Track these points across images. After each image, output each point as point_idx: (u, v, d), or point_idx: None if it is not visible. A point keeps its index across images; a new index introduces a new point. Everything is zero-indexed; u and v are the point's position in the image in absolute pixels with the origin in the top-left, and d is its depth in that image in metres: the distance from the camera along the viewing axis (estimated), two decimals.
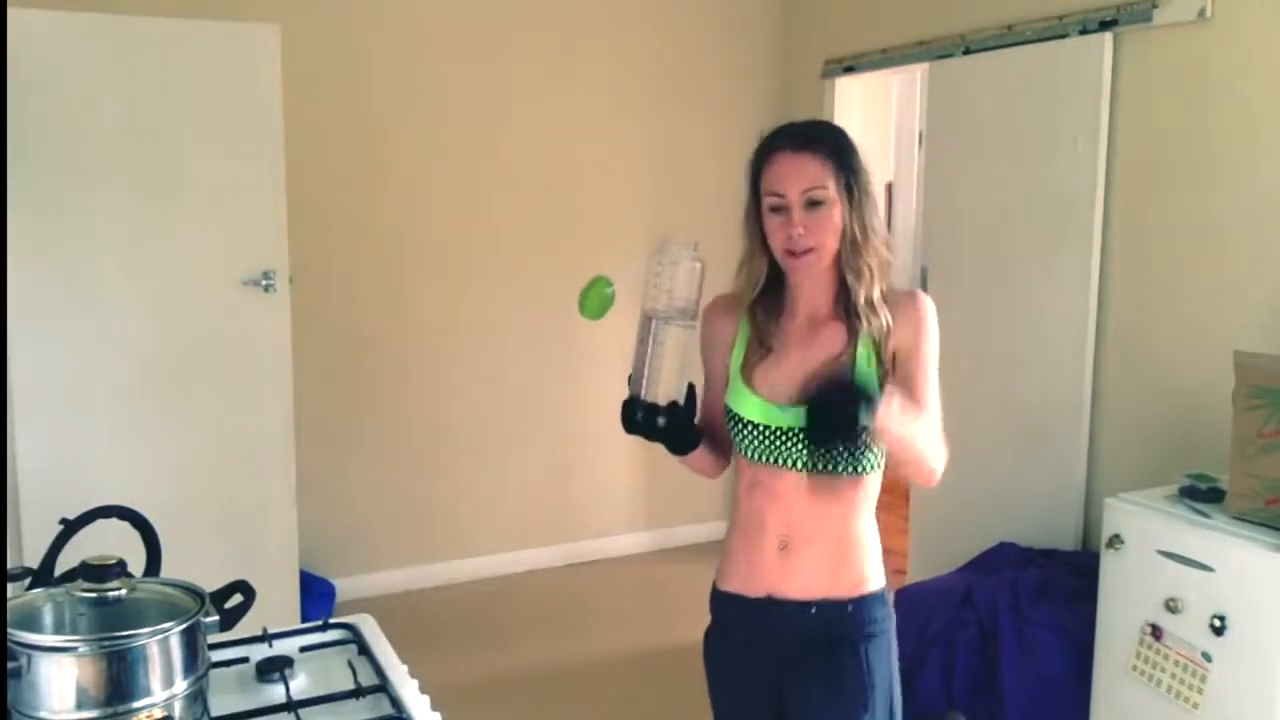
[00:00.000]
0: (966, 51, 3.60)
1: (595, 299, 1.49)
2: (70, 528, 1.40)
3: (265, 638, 1.57)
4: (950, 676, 2.83)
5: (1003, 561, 3.12)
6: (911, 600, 3.07)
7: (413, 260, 4.06)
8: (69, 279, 3.16)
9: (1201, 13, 2.83)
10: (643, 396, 1.47)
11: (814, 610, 1.58)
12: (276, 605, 3.32)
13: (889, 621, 1.62)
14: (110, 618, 1.22)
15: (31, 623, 1.20)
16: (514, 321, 4.22)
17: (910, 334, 1.55)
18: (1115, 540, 2.44)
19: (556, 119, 4.26)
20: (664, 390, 1.47)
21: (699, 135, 4.55)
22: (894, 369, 1.55)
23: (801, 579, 1.58)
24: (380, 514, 4.11)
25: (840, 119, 4.25)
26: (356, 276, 3.97)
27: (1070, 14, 3.20)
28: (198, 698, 1.25)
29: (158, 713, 1.17)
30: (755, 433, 1.57)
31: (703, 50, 4.54)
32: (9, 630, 1.15)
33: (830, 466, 1.54)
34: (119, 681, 1.17)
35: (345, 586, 3.91)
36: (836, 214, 1.51)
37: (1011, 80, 3.42)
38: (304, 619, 3.37)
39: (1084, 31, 3.15)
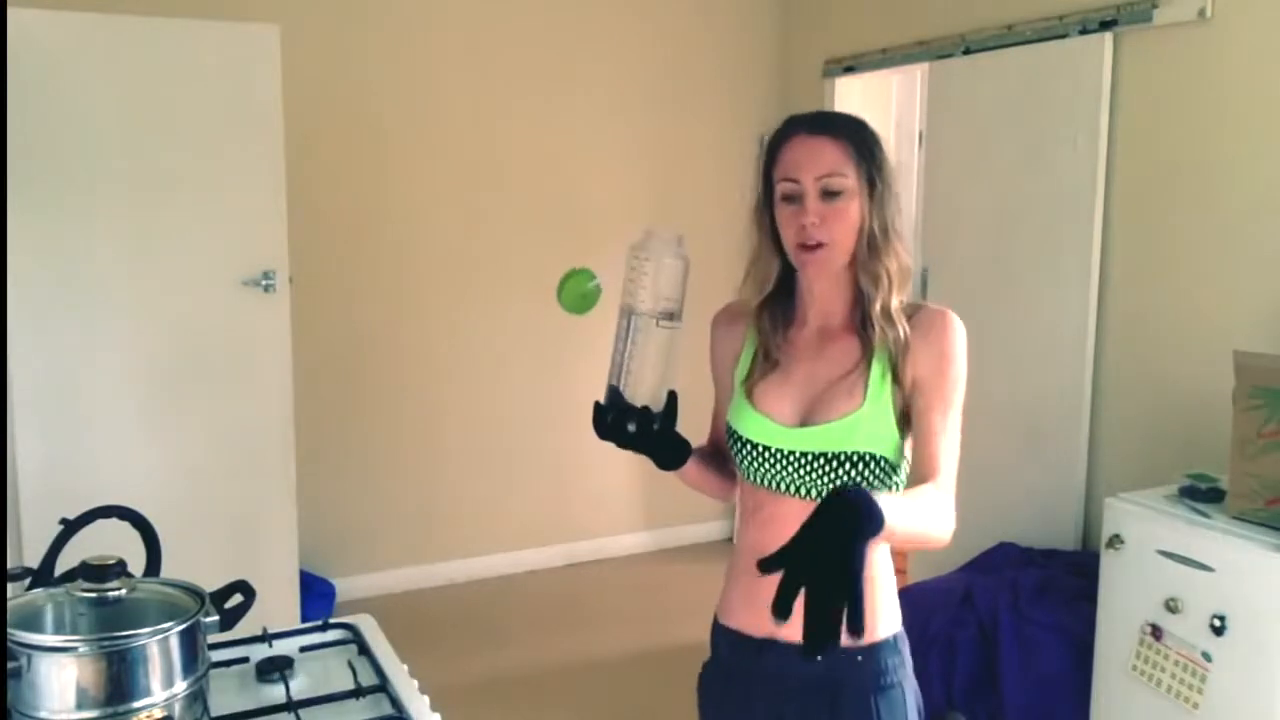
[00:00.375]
0: (966, 51, 3.60)
1: (573, 291, 1.36)
2: (70, 528, 1.40)
3: (265, 638, 1.57)
4: (950, 676, 2.83)
5: (1003, 561, 3.12)
6: (911, 600, 3.06)
7: (413, 260, 4.07)
8: (69, 279, 3.16)
9: (1201, 13, 2.83)
10: (618, 398, 1.33)
11: (820, 657, 1.45)
12: (276, 605, 3.31)
13: (904, 670, 1.44)
14: (110, 618, 1.22)
15: (31, 623, 1.20)
16: (514, 321, 4.22)
17: (934, 363, 1.36)
18: (1115, 540, 2.44)
19: (556, 119, 4.26)
20: (641, 394, 1.32)
21: (699, 135, 4.55)
22: (910, 398, 1.37)
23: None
24: (380, 514, 4.11)
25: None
26: (356, 276, 3.97)
27: (1070, 14, 3.20)
28: (198, 698, 1.25)
29: (158, 713, 1.17)
30: (756, 454, 1.41)
31: (703, 50, 4.54)
32: (9, 630, 1.15)
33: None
34: (119, 681, 1.17)
35: (345, 586, 3.91)
36: (855, 208, 1.35)
37: (1011, 80, 3.42)
38: (304, 619, 3.37)
39: (1084, 31, 3.15)
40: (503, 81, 4.14)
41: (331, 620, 1.65)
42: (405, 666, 1.50)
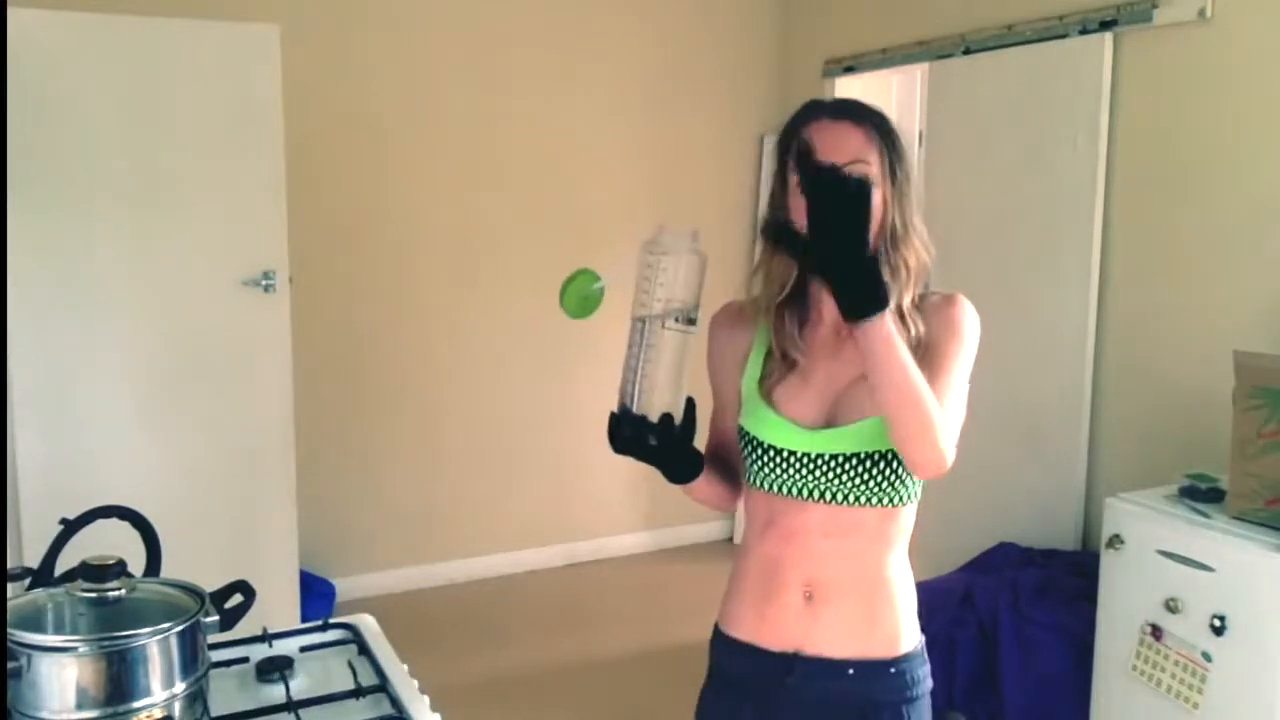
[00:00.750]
0: (966, 51, 3.60)
1: (575, 294, 1.29)
2: (70, 528, 1.40)
3: (265, 638, 1.57)
4: (950, 676, 2.83)
5: (1003, 561, 3.12)
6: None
7: (413, 260, 4.07)
8: (69, 279, 3.16)
9: (1201, 13, 2.83)
10: (633, 410, 1.24)
11: (851, 671, 1.35)
12: (276, 605, 3.32)
13: (928, 682, 1.41)
14: (110, 618, 1.22)
15: (31, 623, 1.20)
16: (514, 321, 4.22)
17: (940, 332, 1.33)
18: (1115, 540, 2.44)
19: (556, 119, 4.26)
20: (658, 404, 1.24)
21: (699, 135, 4.55)
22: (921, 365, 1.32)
23: (835, 634, 1.35)
24: (380, 514, 4.11)
25: None
26: (356, 276, 3.97)
27: (1070, 14, 3.20)
28: (198, 698, 1.25)
29: (158, 713, 1.17)
30: (777, 459, 1.35)
31: (703, 50, 4.54)
32: (9, 630, 1.15)
33: (857, 492, 1.32)
34: (119, 681, 1.17)
35: (345, 586, 3.91)
36: (877, 196, 1.28)
37: (1011, 80, 3.42)
38: (304, 619, 3.37)
39: (1084, 31, 3.15)
40: (503, 81, 4.14)
41: (331, 620, 1.65)
42: (405, 666, 1.50)
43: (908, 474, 1.33)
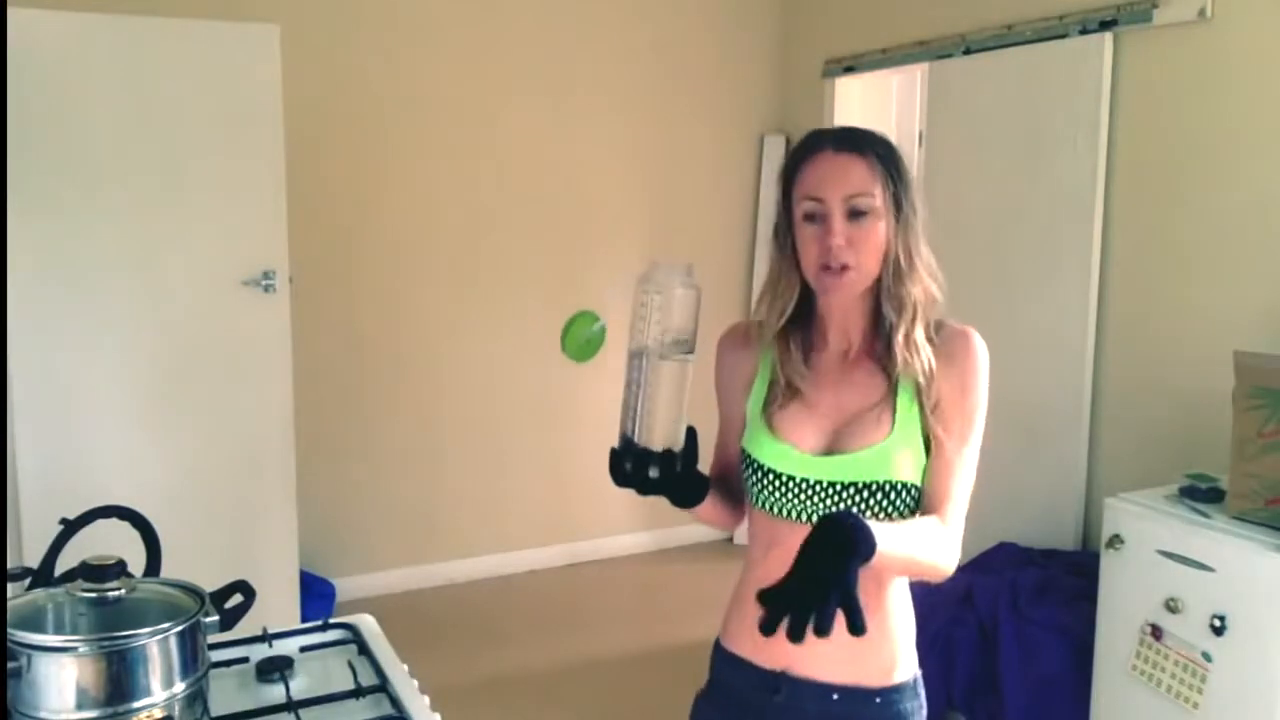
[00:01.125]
0: (966, 51, 3.60)
1: (577, 338, 1.29)
2: (70, 528, 1.40)
3: (265, 638, 1.57)
4: (950, 676, 2.83)
5: (1003, 561, 3.12)
6: (911, 600, 3.07)
7: (412, 260, 4.07)
8: (69, 278, 3.16)
9: (1201, 13, 2.83)
10: (634, 442, 1.23)
11: (836, 697, 1.35)
12: (276, 605, 3.32)
13: (920, 715, 1.39)
14: (110, 618, 1.22)
15: (31, 623, 1.20)
16: (514, 321, 4.22)
17: (956, 385, 1.32)
18: (1115, 540, 2.44)
19: (556, 119, 4.26)
20: (659, 436, 1.23)
21: (699, 136, 4.55)
22: (931, 422, 1.32)
23: (823, 657, 1.33)
24: (380, 514, 4.11)
25: (840, 119, 4.25)
26: (356, 276, 3.98)
27: (1070, 14, 3.20)
28: (198, 698, 1.25)
29: (158, 713, 1.17)
30: (778, 484, 1.35)
31: (703, 51, 4.54)
32: (9, 630, 1.15)
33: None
34: (119, 681, 1.17)
35: (345, 586, 3.91)
36: (881, 230, 1.29)
37: (1011, 80, 3.42)
38: (304, 619, 3.37)
39: (1084, 31, 3.15)
40: (503, 82, 4.14)
41: (331, 620, 1.65)
42: (405, 666, 1.50)
43: (906, 506, 1.32)
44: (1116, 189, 3.11)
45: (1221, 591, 2.19)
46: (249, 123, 3.29)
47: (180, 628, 1.21)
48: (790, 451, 1.34)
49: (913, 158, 5.42)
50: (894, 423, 1.31)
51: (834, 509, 1.33)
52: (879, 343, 1.36)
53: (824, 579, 1.04)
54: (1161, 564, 2.32)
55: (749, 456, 1.38)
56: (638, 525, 4.65)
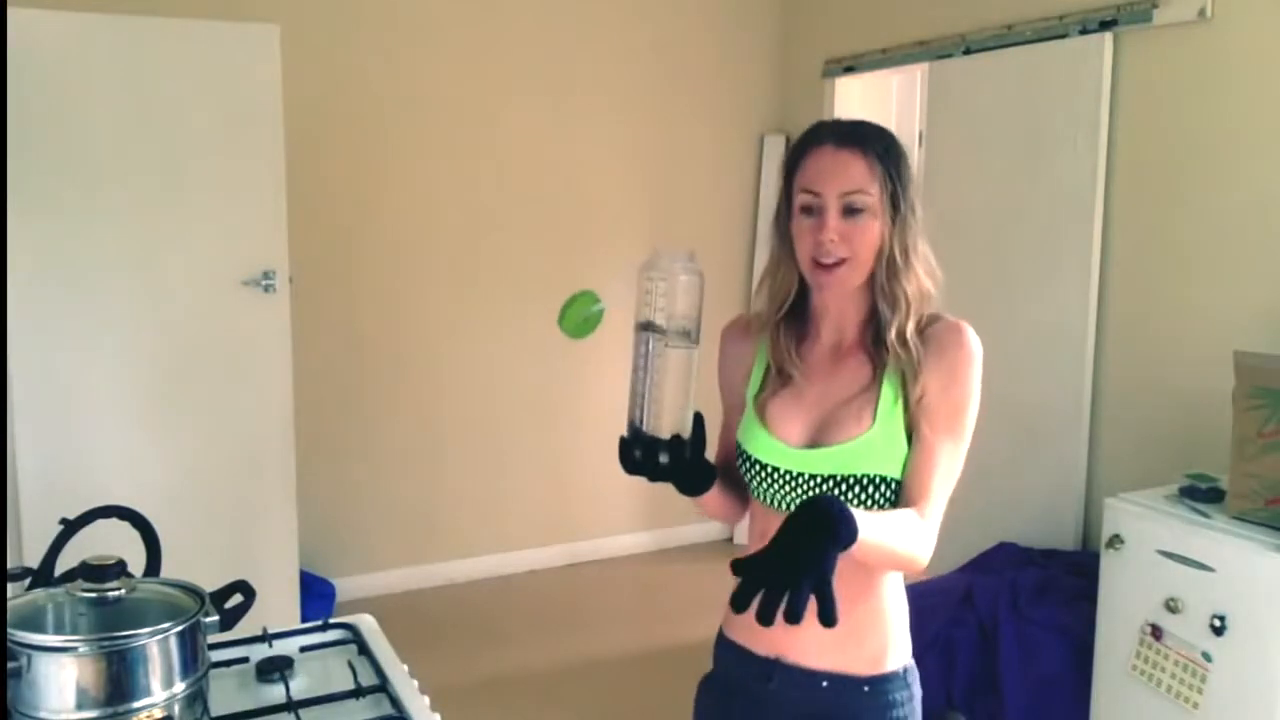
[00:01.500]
0: (966, 51, 3.60)
1: (575, 316, 1.32)
2: (70, 528, 1.40)
3: (265, 638, 1.57)
4: (950, 676, 2.83)
5: (1003, 561, 3.12)
6: (911, 600, 3.07)
7: (412, 260, 4.07)
8: (69, 278, 3.16)
9: (1201, 13, 2.83)
10: (642, 430, 1.25)
11: (825, 684, 1.36)
12: (276, 605, 3.32)
13: (912, 705, 1.39)
14: (110, 618, 1.22)
15: (31, 623, 1.20)
16: (514, 321, 4.22)
17: (942, 382, 1.31)
18: (1115, 540, 2.44)
19: (556, 119, 4.26)
20: (666, 423, 1.25)
21: (699, 135, 4.55)
22: (915, 415, 1.32)
23: (813, 645, 1.36)
24: (380, 514, 4.11)
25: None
26: (356, 276, 3.98)
27: (1070, 14, 3.20)
28: (198, 698, 1.25)
29: (158, 713, 1.17)
30: (766, 475, 1.37)
31: (703, 51, 4.54)
32: (9, 630, 1.15)
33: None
34: (119, 681, 1.17)
35: (345, 586, 3.91)
36: (876, 227, 1.31)
37: (1011, 80, 3.42)
38: (304, 619, 3.37)
39: (1084, 31, 3.15)
40: (503, 82, 4.14)
41: (331, 620, 1.65)
42: (405, 666, 1.50)
43: (885, 498, 1.33)
44: (1116, 189, 3.11)
45: (1221, 591, 2.19)
46: (249, 123, 3.29)
47: (180, 628, 1.21)
48: (776, 444, 1.37)
49: (913, 158, 5.41)
50: (875, 416, 1.32)
51: (806, 497, 1.34)
52: (870, 336, 1.37)
53: (799, 560, 1.04)
54: (1161, 564, 2.32)
55: (740, 447, 1.42)
56: (638, 525, 4.65)
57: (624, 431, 1.27)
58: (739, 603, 1.03)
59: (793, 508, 1.32)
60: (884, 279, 1.33)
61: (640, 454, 1.26)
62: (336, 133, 3.86)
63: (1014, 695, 2.71)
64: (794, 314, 1.41)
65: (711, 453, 1.38)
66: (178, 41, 3.21)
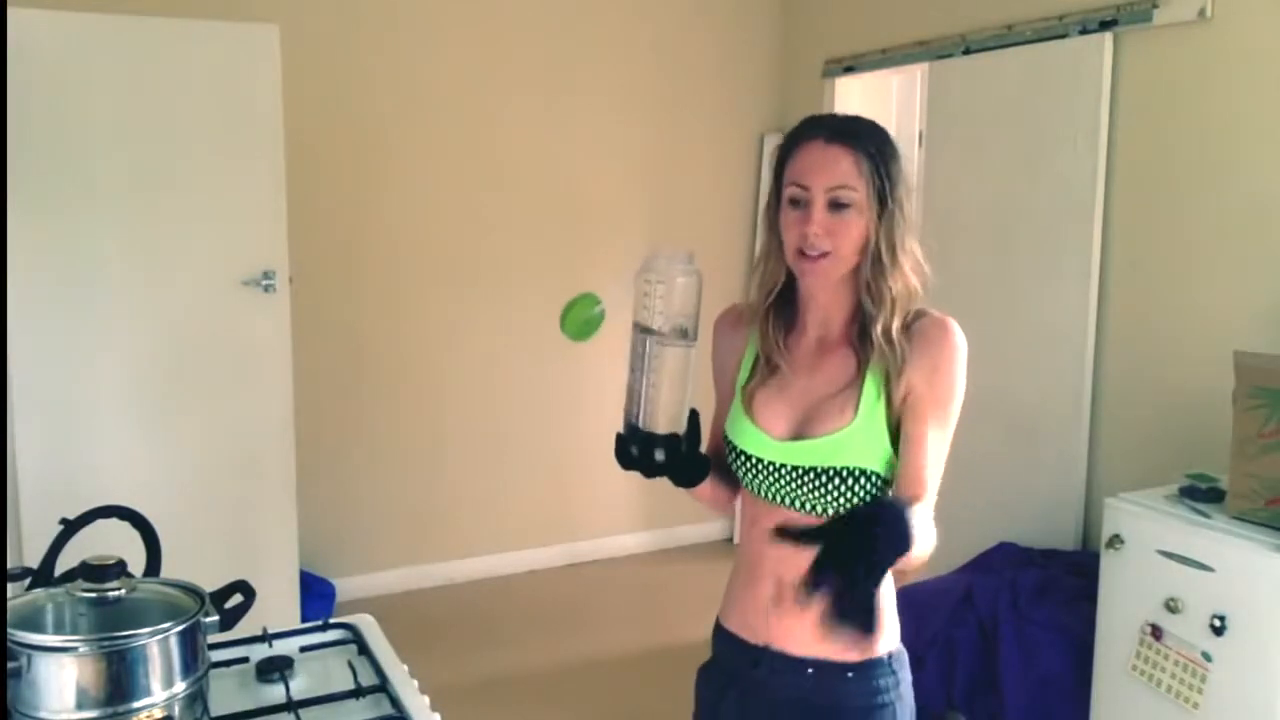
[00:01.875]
0: (966, 51, 3.60)
1: (577, 318, 1.34)
2: (70, 528, 1.40)
3: (265, 638, 1.57)
4: (950, 676, 2.83)
5: (1003, 561, 3.12)
6: (911, 600, 3.07)
7: (412, 260, 4.07)
8: (69, 278, 3.16)
9: (1201, 13, 2.83)
10: (640, 428, 1.28)
11: (811, 671, 1.39)
12: (276, 605, 3.32)
13: (898, 690, 1.40)
14: (110, 618, 1.22)
15: (31, 623, 1.20)
16: (514, 321, 4.22)
17: (927, 375, 1.32)
18: (1115, 540, 2.44)
19: (556, 119, 4.26)
20: (662, 420, 1.27)
21: (699, 136, 4.55)
22: (901, 409, 1.34)
23: (798, 632, 1.38)
24: (380, 514, 4.11)
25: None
26: (356, 277, 3.97)
27: (1070, 14, 3.20)
28: (198, 698, 1.25)
29: (158, 713, 1.17)
30: (751, 466, 1.40)
31: (703, 51, 4.54)
32: (9, 630, 1.15)
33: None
34: (119, 681, 1.17)
35: (345, 586, 3.91)
36: (862, 223, 1.32)
37: (1011, 80, 3.42)
38: (304, 619, 3.37)
39: (1084, 31, 3.15)
40: (503, 81, 4.14)
41: (331, 620, 1.65)
42: (405, 666, 1.50)
43: (875, 489, 1.34)
44: (1116, 189, 3.11)
45: (1221, 591, 2.19)
46: (249, 123, 3.29)
47: (180, 628, 1.21)
48: (760, 435, 1.39)
49: (913, 158, 5.42)
50: (858, 410, 1.34)
51: (789, 488, 1.37)
52: (854, 329, 1.38)
53: (866, 561, 1.09)
54: (1161, 564, 2.32)
55: (726, 438, 1.44)
56: (638, 525, 4.65)
57: (621, 429, 1.30)
58: (811, 586, 1.09)
59: (776, 498, 1.38)
60: (870, 275, 1.34)
61: (637, 450, 1.28)
62: (336, 132, 3.86)
63: (1014, 695, 2.71)
64: (783, 305, 1.43)
65: (705, 441, 1.39)
66: (178, 41, 3.21)
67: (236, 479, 3.41)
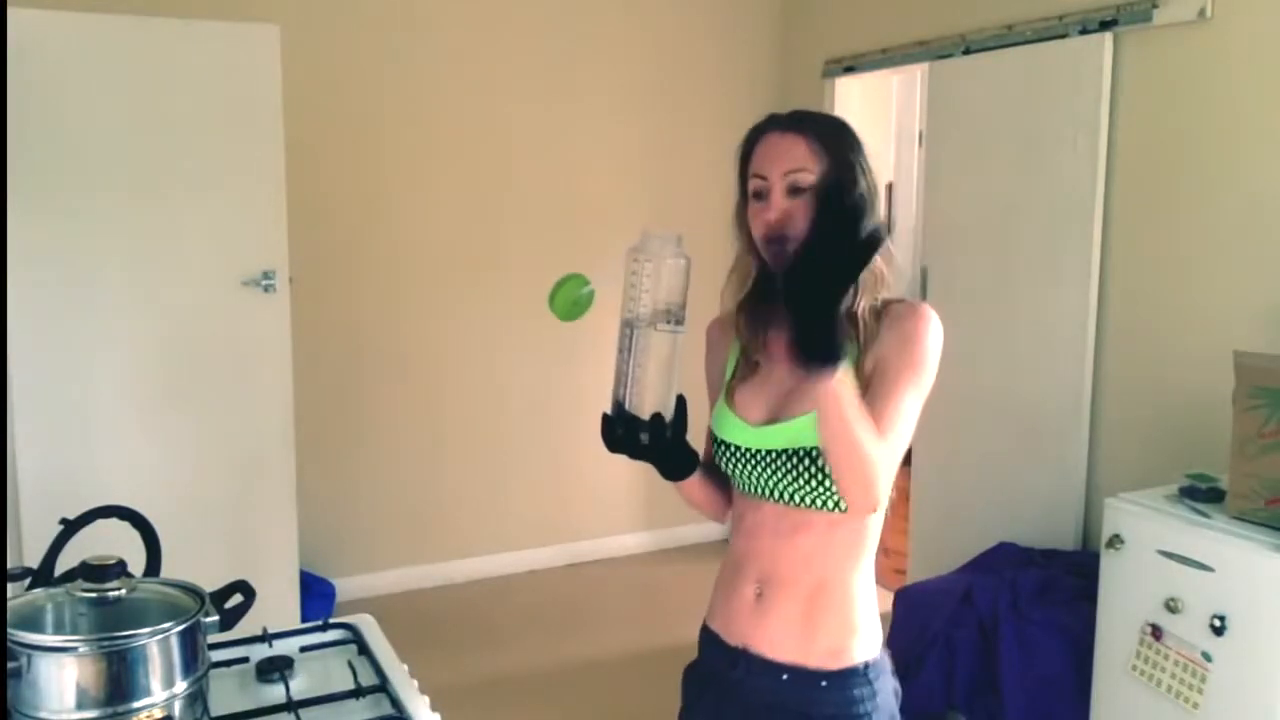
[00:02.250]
0: (966, 51, 3.60)
1: (565, 297, 1.34)
2: (70, 528, 1.41)
3: (265, 638, 1.57)
4: (950, 676, 2.83)
5: (1003, 561, 3.12)
6: (911, 600, 3.08)
7: (412, 260, 4.07)
8: (69, 279, 3.16)
9: (1201, 13, 2.83)
10: (626, 409, 1.28)
11: (785, 677, 1.38)
12: (276, 605, 3.32)
13: (875, 702, 1.37)
14: (110, 618, 1.22)
15: (31, 623, 1.20)
16: (514, 321, 4.22)
17: (894, 345, 1.32)
18: (1115, 540, 2.44)
19: (556, 119, 4.26)
20: (649, 403, 1.28)
21: (699, 136, 4.55)
22: (869, 381, 1.33)
23: (776, 635, 1.38)
24: (380, 514, 4.11)
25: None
26: (356, 276, 3.98)
27: (1070, 14, 3.20)
28: (198, 698, 1.25)
29: (158, 713, 1.17)
30: (729, 454, 1.41)
31: (703, 51, 4.54)
32: (9, 630, 1.15)
33: (805, 494, 1.33)
34: (119, 681, 1.17)
35: (345, 586, 3.91)
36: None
37: (1011, 80, 3.42)
38: (304, 619, 3.37)
39: (1084, 31, 3.15)
40: (503, 83, 4.14)
41: (331, 620, 1.65)
42: (405, 666, 1.50)
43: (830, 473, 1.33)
44: (1116, 189, 3.11)
45: (1221, 591, 2.19)
46: (249, 123, 3.29)
47: (180, 628, 1.21)
48: (739, 423, 1.40)
49: (913, 157, 5.42)
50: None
51: (767, 477, 1.37)
52: None
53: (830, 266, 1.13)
54: (1161, 564, 2.32)
55: (712, 432, 1.45)
56: (638, 525, 4.65)
57: (608, 409, 1.30)
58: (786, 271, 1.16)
59: (750, 489, 1.39)
60: None
61: (622, 431, 1.28)
62: (336, 132, 3.86)
63: (1014, 695, 2.71)
64: (764, 301, 1.43)
65: (697, 439, 1.40)
66: (178, 41, 3.21)
67: (236, 479, 3.41)
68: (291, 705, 1.36)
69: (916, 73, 4.01)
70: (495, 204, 4.19)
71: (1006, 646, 2.74)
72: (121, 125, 3.16)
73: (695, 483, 1.41)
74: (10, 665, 1.15)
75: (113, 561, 1.25)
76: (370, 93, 3.92)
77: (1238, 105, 2.79)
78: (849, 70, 4.25)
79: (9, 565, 1.37)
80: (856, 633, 1.38)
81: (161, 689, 1.20)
